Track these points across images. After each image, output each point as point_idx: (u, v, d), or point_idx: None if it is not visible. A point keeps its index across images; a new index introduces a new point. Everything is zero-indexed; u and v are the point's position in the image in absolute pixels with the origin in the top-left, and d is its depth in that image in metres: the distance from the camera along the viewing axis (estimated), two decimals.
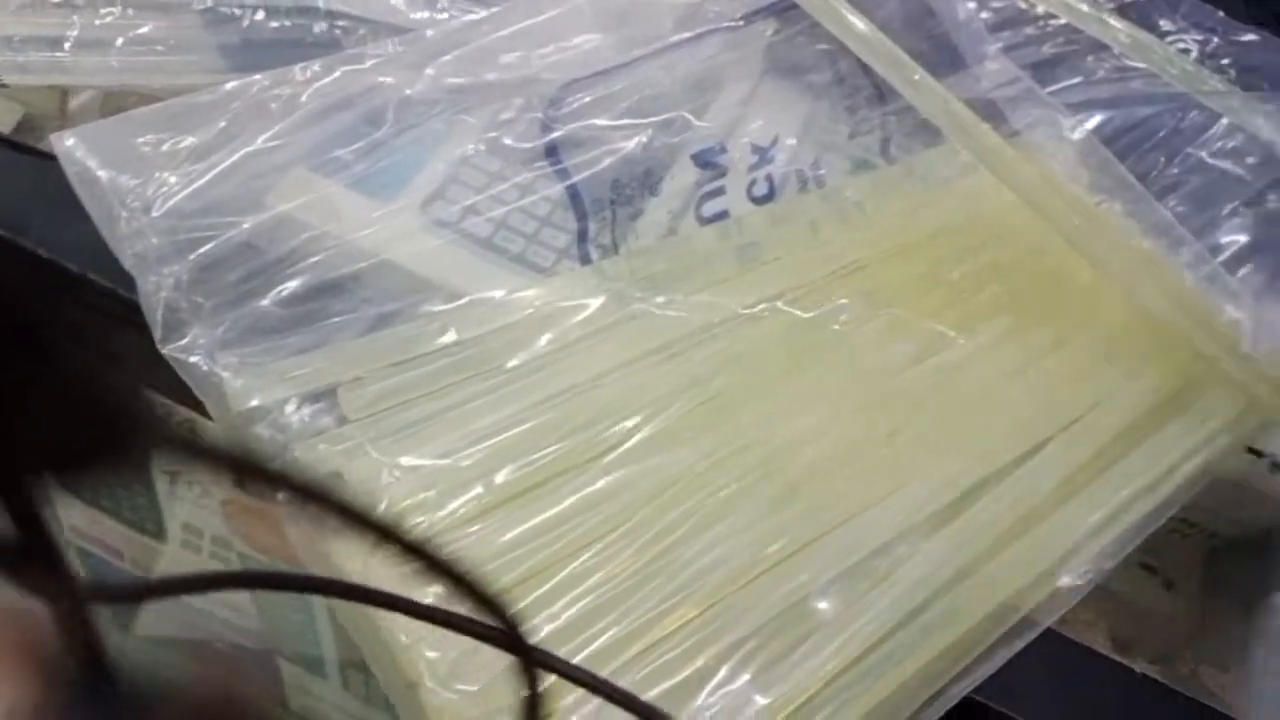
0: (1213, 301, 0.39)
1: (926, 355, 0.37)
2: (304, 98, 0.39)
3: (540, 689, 0.22)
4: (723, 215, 0.42)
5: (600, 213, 0.41)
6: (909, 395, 0.36)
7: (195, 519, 0.59)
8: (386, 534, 0.17)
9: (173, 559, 0.61)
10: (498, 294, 0.38)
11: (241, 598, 0.60)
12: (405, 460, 0.32)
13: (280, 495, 0.16)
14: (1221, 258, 0.42)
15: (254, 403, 0.32)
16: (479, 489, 0.32)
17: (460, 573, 0.19)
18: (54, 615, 0.17)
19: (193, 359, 0.32)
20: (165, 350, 0.32)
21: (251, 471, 0.16)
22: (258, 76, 0.39)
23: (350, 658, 0.60)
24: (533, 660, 0.22)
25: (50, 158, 0.42)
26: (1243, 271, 0.41)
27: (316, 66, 0.40)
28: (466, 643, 0.20)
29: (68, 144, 0.34)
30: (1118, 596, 0.44)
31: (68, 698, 0.17)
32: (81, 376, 0.15)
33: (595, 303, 0.38)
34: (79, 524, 0.64)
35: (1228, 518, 0.43)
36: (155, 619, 0.64)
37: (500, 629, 0.20)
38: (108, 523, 0.63)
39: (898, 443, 0.35)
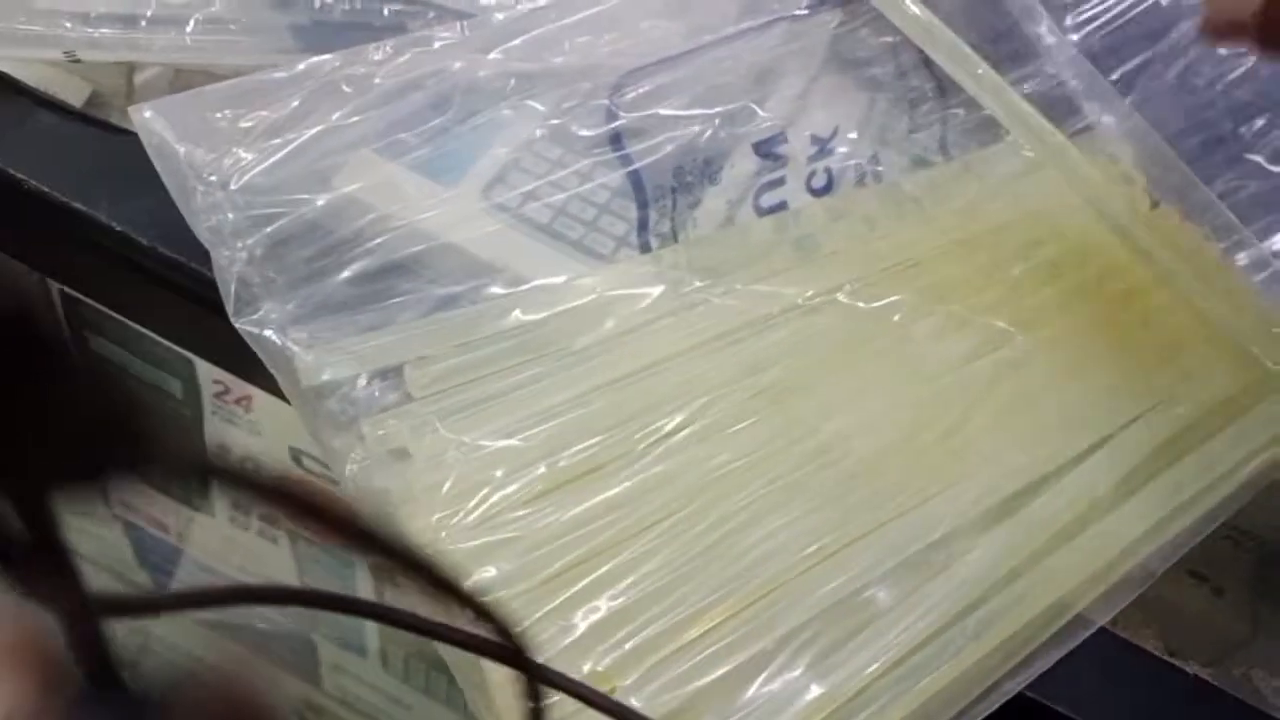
0: (1273, 306, 0.39)
1: (984, 351, 0.37)
2: (376, 79, 0.39)
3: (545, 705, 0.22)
4: (781, 206, 0.42)
5: (661, 200, 0.41)
6: (966, 390, 0.36)
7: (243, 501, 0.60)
8: (394, 552, 0.17)
9: (219, 535, 0.62)
10: (558, 279, 0.38)
11: (285, 576, 0.61)
12: (469, 438, 0.33)
13: (284, 514, 0.16)
14: None
15: (324, 377, 0.32)
16: (541, 469, 0.33)
17: (464, 590, 0.18)
18: (62, 623, 0.17)
19: (266, 333, 0.33)
20: (238, 323, 0.33)
21: (257, 490, 0.16)
22: (330, 56, 0.40)
23: (392, 635, 0.60)
24: (540, 678, 0.22)
25: (120, 132, 0.43)
26: None
27: (388, 48, 0.40)
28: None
29: (145, 115, 0.35)
30: (1168, 604, 0.44)
31: (69, 703, 0.17)
32: (92, 388, 0.15)
33: (654, 290, 0.38)
34: (127, 498, 0.65)
35: (1275, 524, 0.43)
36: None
37: (510, 647, 0.20)
38: (155, 497, 0.64)
39: (954, 437, 0.35)
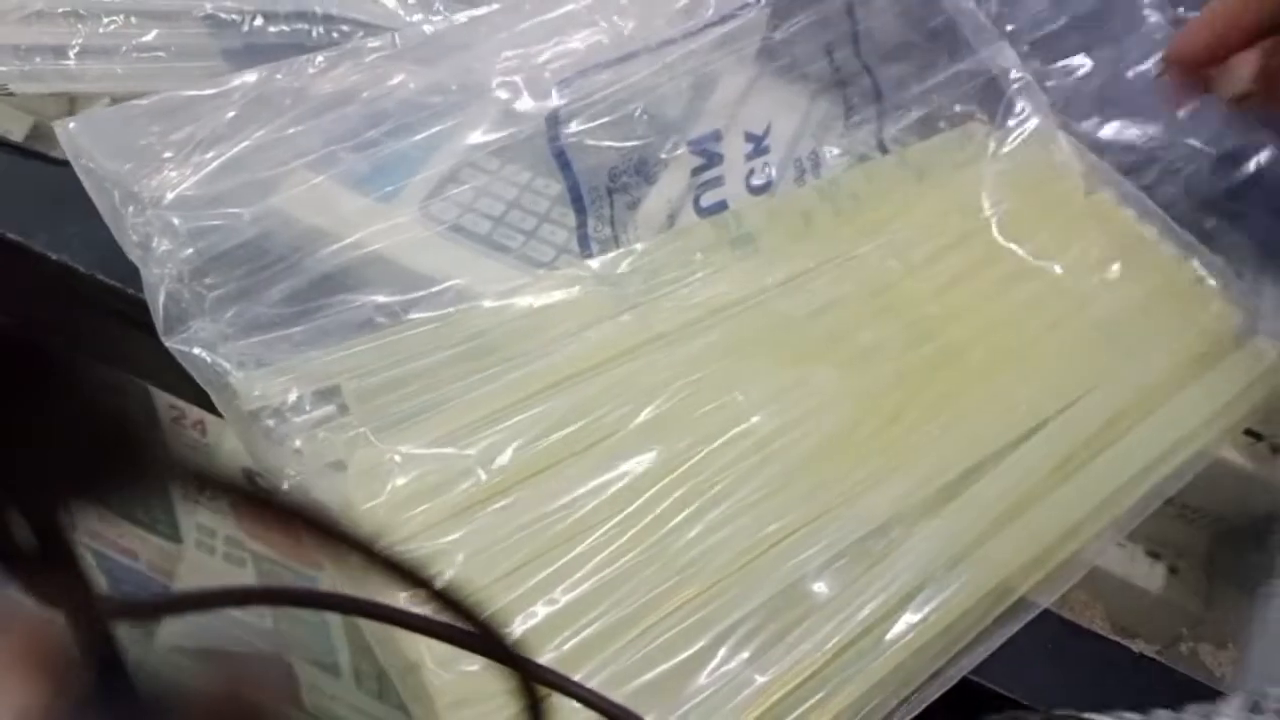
0: (1205, 285, 0.39)
1: (922, 341, 0.37)
2: (308, 91, 0.39)
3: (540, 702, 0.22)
4: (721, 206, 0.42)
5: (598, 205, 0.41)
6: (905, 380, 0.36)
7: (209, 520, 0.60)
8: (382, 558, 0.17)
9: (187, 560, 0.62)
10: (497, 289, 0.39)
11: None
12: (406, 448, 0.33)
13: (278, 521, 0.16)
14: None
15: (256, 394, 0.32)
16: (480, 475, 0.33)
17: (457, 599, 0.19)
18: (71, 626, 0.18)
19: (195, 351, 0.33)
20: (168, 342, 0.33)
21: (252, 499, 0.16)
22: (261, 69, 0.40)
23: (363, 657, 0.60)
24: (530, 674, 0.22)
25: (60, 163, 0.43)
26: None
27: (320, 60, 0.40)
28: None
29: (70, 128, 0.35)
30: (1121, 581, 0.44)
31: (77, 704, 0.18)
32: (98, 396, 0.15)
33: (593, 296, 0.39)
34: (94, 528, 0.65)
35: (1231, 503, 0.43)
36: (170, 625, 0.65)
37: (501, 643, 0.20)
38: (124, 526, 0.64)
39: (894, 427, 0.35)
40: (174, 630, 0.65)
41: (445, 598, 0.19)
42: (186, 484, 0.16)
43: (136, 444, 0.15)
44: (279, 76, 0.40)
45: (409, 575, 0.18)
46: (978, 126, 0.46)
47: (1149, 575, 0.46)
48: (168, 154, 0.36)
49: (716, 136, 0.43)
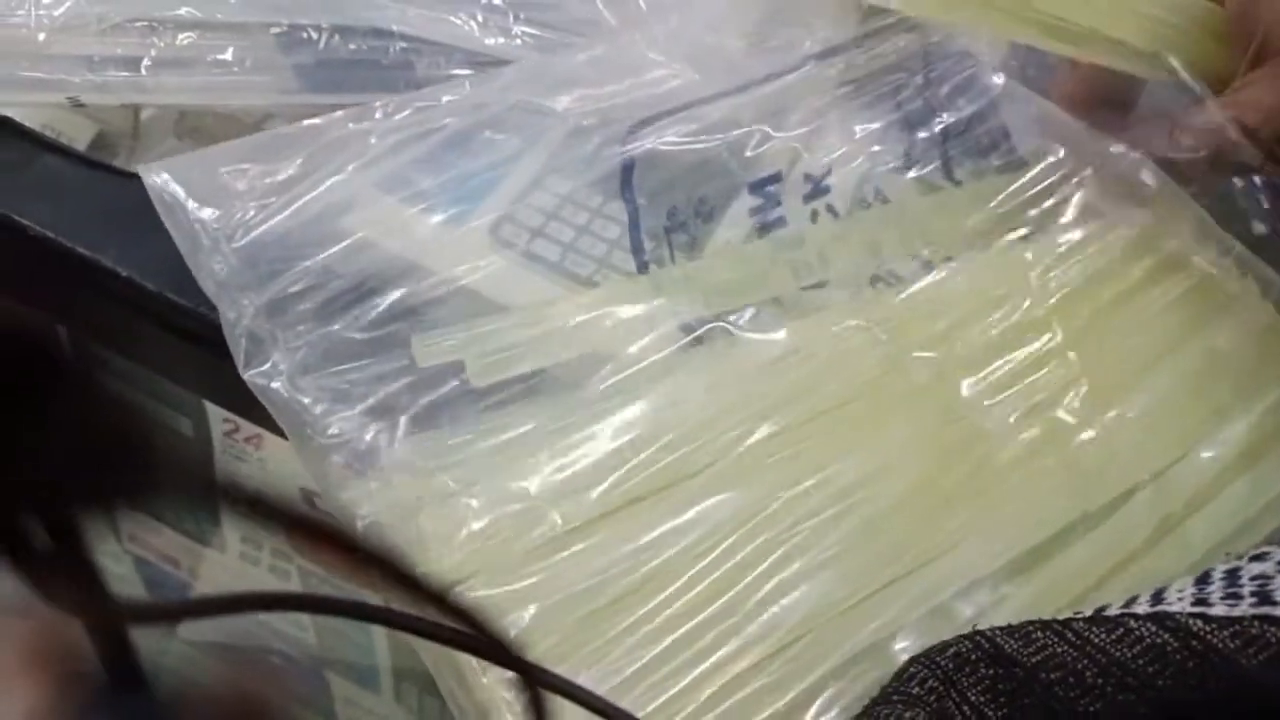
0: None
1: (1015, 385, 0.36)
2: (380, 134, 0.39)
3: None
4: (779, 223, 0.42)
5: (656, 246, 0.41)
6: (994, 430, 0.35)
7: (255, 530, 0.60)
8: (391, 569, 0.18)
9: (230, 570, 0.62)
10: (571, 319, 0.38)
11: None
12: (480, 488, 0.32)
13: (288, 536, 0.17)
14: None
15: (332, 430, 0.32)
16: (556, 519, 0.32)
17: (460, 605, 0.19)
18: (85, 628, 0.18)
19: (274, 385, 0.32)
20: (247, 376, 0.32)
21: (264, 513, 0.16)
22: (338, 114, 0.39)
23: (404, 670, 0.60)
24: (537, 679, 0.22)
25: (126, 175, 0.42)
26: None
27: (392, 104, 0.40)
28: None
29: (159, 179, 0.35)
30: None
31: (86, 704, 0.18)
32: (109, 410, 0.15)
33: (668, 325, 0.38)
34: (137, 533, 0.65)
35: None
36: (206, 625, 0.65)
37: (509, 654, 0.21)
38: (166, 533, 0.64)
39: (982, 481, 0.34)
40: (209, 632, 0.64)
41: (458, 610, 0.19)
42: (201, 495, 0.17)
43: (150, 453, 0.16)
44: (353, 117, 0.39)
45: (422, 590, 0.18)
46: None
47: None
48: (246, 194, 0.35)
49: (776, 179, 0.43)
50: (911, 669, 0.29)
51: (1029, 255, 0.40)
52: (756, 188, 0.43)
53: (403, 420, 0.33)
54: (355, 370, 0.33)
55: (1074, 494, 0.34)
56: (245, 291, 0.33)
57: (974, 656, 0.28)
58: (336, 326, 0.34)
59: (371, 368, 0.34)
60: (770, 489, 0.34)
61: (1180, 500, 0.34)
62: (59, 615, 0.17)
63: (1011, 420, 0.35)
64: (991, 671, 0.27)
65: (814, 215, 0.43)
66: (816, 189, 0.44)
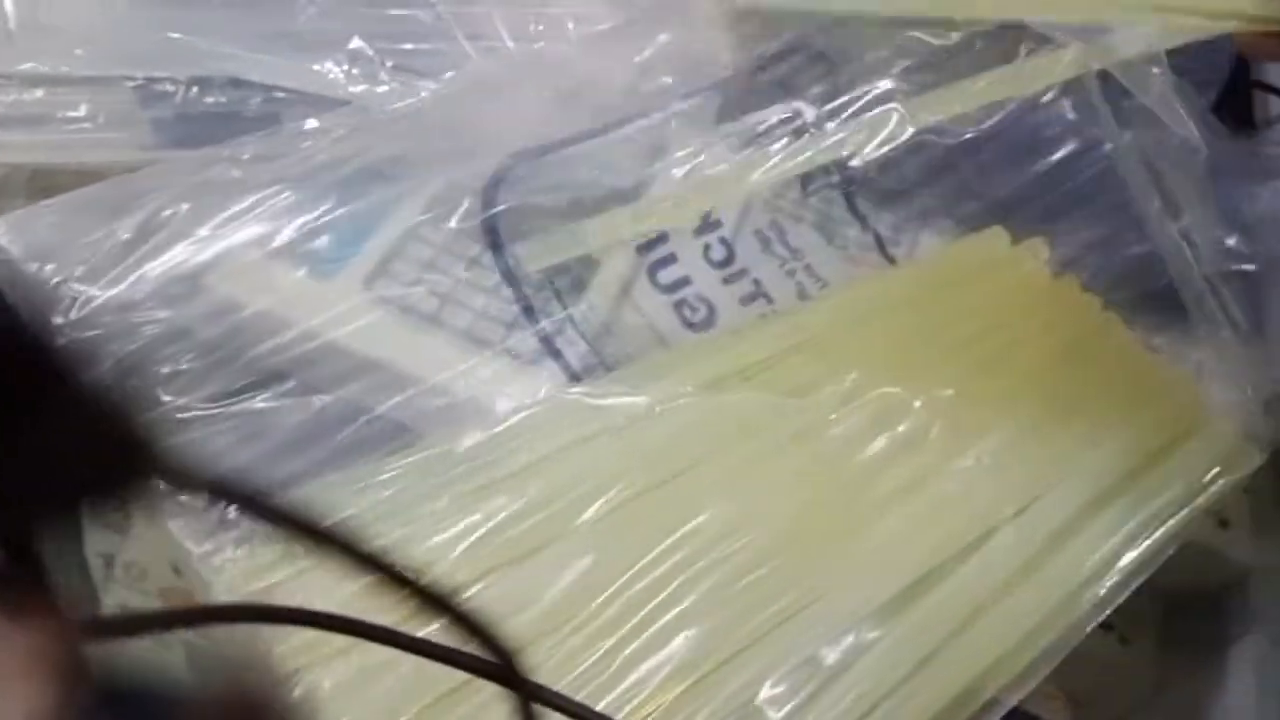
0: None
1: (881, 428, 0.37)
2: (241, 174, 0.38)
3: None
4: (685, 281, 0.42)
5: (541, 290, 0.40)
6: (863, 473, 0.36)
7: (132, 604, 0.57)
8: (383, 568, 0.18)
9: None
10: (446, 374, 0.37)
11: None
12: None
13: (276, 529, 0.17)
14: None
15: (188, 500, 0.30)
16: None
17: (459, 608, 0.19)
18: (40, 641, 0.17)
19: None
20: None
21: (249, 504, 0.17)
22: (193, 153, 0.38)
23: None
24: (529, 694, 0.22)
25: None
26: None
27: (254, 143, 0.39)
28: None
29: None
30: (1074, 653, 0.44)
31: (86, 708, 0.17)
32: (82, 406, 0.15)
33: (545, 381, 0.38)
34: None
35: (1182, 574, 0.43)
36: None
37: (497, 664, 0.20)
38: None
39: (851, 523, 0.34)
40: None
41: (451, 610, 0.19)
42: (192, 492, 0.17)
43: (124, 449, 0.16)
44: (210, 160, 0.38)
45: (426, 595, 0.18)
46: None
47: (1101, 645, 0.46)
48: (97, 248, 0.34)
49: (663, 238, 0.43)
50: None
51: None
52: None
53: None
54: (217, 430, 0.32)
55: (937, 536, 0.34)
56: (99, 353, 0.32)
57: None
58: (201, 384, 0.33)
59: (238, 427, 0.32)
60: (636, 547, 0.33)
61: (1041, 539, 0.35)
62: (60, 616, 0.16)
63: (875, 465, 0.35)
64: None
65: (705, 249, 0.43)
66: (707, 223, 0.44)
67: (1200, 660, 0.44)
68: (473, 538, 0.32)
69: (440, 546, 0.32)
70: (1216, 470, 0.38)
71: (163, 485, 0.16)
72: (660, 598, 0.32)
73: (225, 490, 0.17)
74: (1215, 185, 0.49)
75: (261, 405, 0.35)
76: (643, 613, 0.32)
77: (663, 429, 0.36)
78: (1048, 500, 0.36)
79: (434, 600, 0.19)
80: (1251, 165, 0.50)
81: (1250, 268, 0.45)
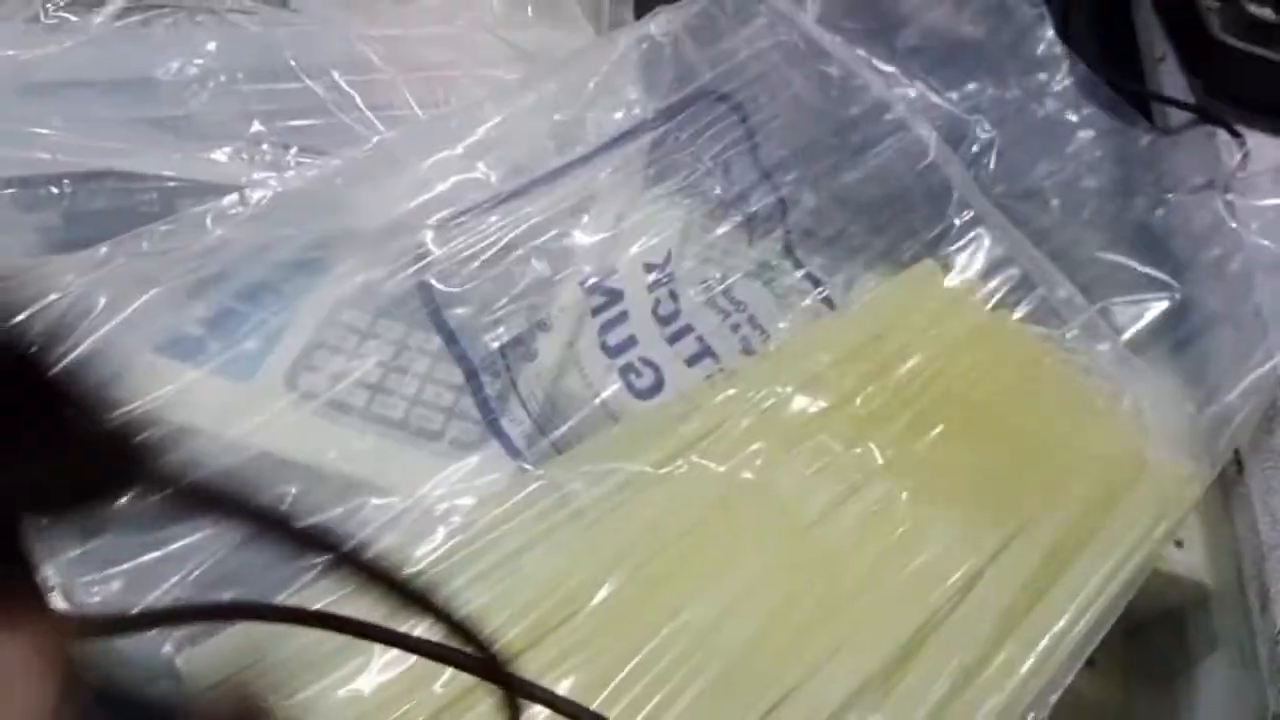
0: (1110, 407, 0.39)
1: (848, 493, 0.36)
2: (146, 266, 0.35)
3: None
4: (631, 342, 0.40)
5: (491, 363, 0.38)
6: (836, 545, 0.34)
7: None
8: (372, 570, 0.18)
9: None
10: (389, 472, 0.35)
11: None
12: (303, 695, 0.29)
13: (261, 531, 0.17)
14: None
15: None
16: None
17: (445, 608, 0.19)
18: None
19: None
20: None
21: (232, 506, 0.17)
22: (94, 250, 0.35)
23: None
24: (517, 690, 0.22)
25: None
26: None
27: (160, 231, 0.36)
28: None
29: None
30: None
31: (85, 708, 0.17)
32: (81, 417, 0.16)
33: (496, 474, 0.35)
34: None
35: (1142, 597, 0.44)
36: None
37: (485, 660, 0.21)
38: None
39: (828, 598, 0.33)
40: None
41: (441, 613, 0.19)
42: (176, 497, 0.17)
43: (112, 457, 0.16)
44: (112, 254, 0.35)
45: (411, 595, 0.19)
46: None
47: None
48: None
49: (612, 271, 0.41)
50: None
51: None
52: (595, 286, 0.41)
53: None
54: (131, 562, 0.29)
55: (918, 597, 0.33)
56: None
57: None
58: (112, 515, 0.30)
59: (146, 562, 0.30)
60: (629, 646, 0.31)
61: (1017, 586, 0.34)
62: (60, 617, 0.17)
63: (851, 538, 0.34)
64: None
65: (656, 304, 0.42)
66: (662, 275, 0.42)
67: (1167, 683, 0.45)
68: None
69: (407, 676, 0.29)
70: (1173, 494, 0.38)
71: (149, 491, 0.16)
72: (658, 698, 0.30)
73: (207, 495, 0.17)
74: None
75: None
76: (645, 710, 0.30)
77: (633, 514, 0.34)
78: (1015, 548, 0.35)
79: (418, 599, 0.19)
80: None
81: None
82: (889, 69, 0.52)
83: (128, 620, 0.20)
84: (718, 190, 0.45)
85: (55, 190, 0.37)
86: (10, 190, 0.37)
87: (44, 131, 0.37)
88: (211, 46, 0.41)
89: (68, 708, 0.17)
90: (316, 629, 0.23)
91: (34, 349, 0.15)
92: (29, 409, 0.15)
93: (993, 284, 0.46)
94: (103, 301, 0.35)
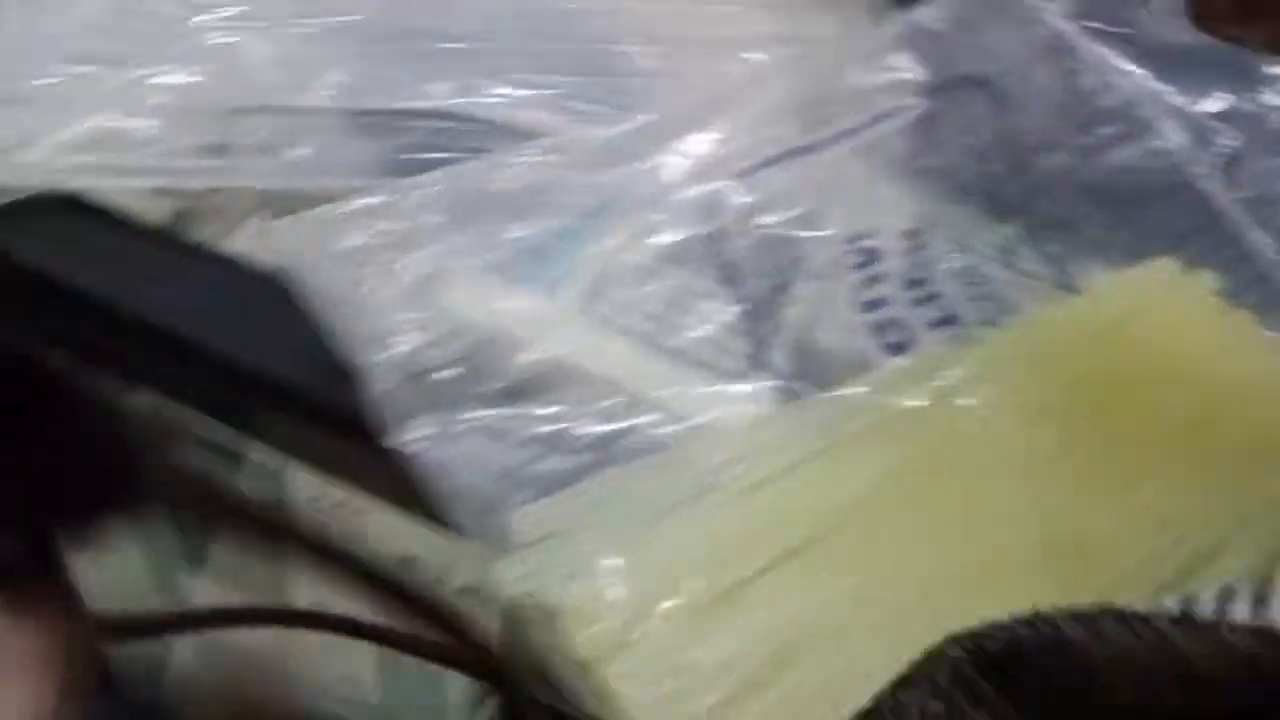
0: None
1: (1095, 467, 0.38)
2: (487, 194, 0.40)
3: None
4: (881, 302, 0.43)
5: (761, 306, 0.42)
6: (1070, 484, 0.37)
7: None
8: (372, 572, 0.18)
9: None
10: (667, 394, 0.39)
11: (366, 674, 0.59)
12: (622, 558, 0.32)
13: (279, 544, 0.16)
14: None
15: (475, 504, 0.32)
16: (695, 585, 0.33)
17: (446, 611, 0.20)
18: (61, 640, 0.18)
19: (419, 454, 0.33)
20: (391, 443, 0.33)
21: (252, 524, 0.16)
22: (424, 177, 0.40)
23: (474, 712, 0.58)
24: (512, 687, 0.22)
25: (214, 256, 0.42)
26: None
27: (482, 166, 0.41)
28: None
29: (278, 234, 0.36)
30: None
31: (86, 707, 0.18)
32: (99, 418, 0.15)
33: (762, 401, 0.39)
34: None
35: None
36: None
37: (490, 665, 0.21)
38: None
39: (1064, 574, 0.35)
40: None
41: (443, 617, 0.19)
42: (189, 509, 0.16)
43: (136, 467, 0.15)
44: (441, 181, 0.41)
45: (408, 596, 0.18)
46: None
47: None
48: (366, 261, 0.36)
49: (870, 233, 0.44)
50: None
51: None
52: (853, 242, 0.44)
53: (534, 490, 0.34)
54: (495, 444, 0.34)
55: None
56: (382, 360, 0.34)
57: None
58: (472, 404, 0.35)
59: (510, 448, 0.34)
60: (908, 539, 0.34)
61: None
62: (61, 619, 0.17)
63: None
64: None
65: (909, 269, 0.44)
66: (913, 245, 0.45)
67: None
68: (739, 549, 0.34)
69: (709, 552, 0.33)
70: None
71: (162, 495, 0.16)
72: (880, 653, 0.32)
73: (215, 499, 0.16)
74: None
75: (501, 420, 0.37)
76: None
77: (879, 456, 0.37)
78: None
79: (416, 599, 0.19)
80: None
81: None
82: (1136, 69, 0.53)
83: (140, 622, 0.20)
84: (970, 173, 0.48)
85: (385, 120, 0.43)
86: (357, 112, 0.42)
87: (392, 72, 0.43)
88: None
89: (70, 705, 0.17)
90: (316, 629, 0.24)
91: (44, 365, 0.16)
92: (35, 416, 0.16)
93: (1229, 285, 0.47)
94: (435, 222, 0.40)
